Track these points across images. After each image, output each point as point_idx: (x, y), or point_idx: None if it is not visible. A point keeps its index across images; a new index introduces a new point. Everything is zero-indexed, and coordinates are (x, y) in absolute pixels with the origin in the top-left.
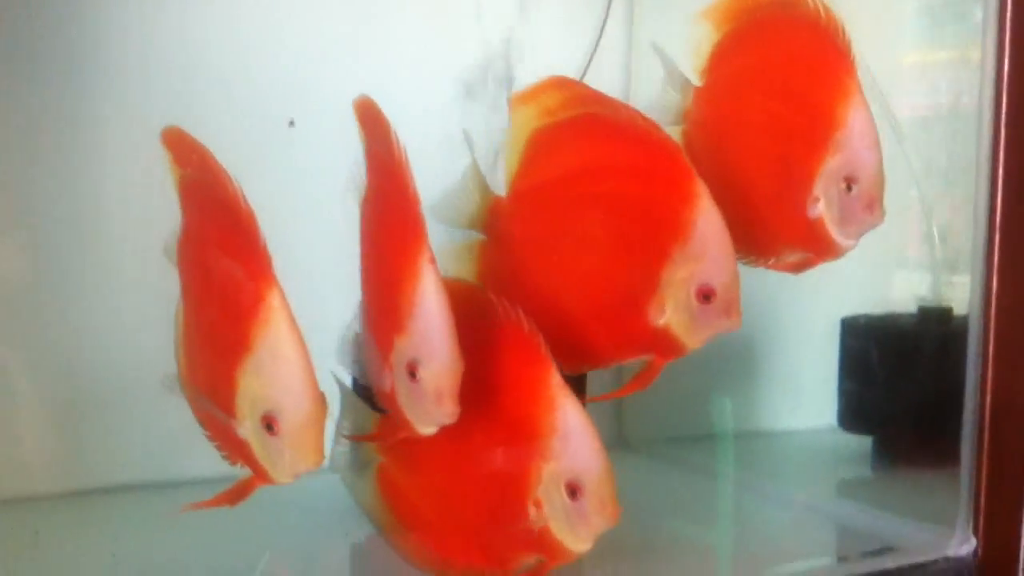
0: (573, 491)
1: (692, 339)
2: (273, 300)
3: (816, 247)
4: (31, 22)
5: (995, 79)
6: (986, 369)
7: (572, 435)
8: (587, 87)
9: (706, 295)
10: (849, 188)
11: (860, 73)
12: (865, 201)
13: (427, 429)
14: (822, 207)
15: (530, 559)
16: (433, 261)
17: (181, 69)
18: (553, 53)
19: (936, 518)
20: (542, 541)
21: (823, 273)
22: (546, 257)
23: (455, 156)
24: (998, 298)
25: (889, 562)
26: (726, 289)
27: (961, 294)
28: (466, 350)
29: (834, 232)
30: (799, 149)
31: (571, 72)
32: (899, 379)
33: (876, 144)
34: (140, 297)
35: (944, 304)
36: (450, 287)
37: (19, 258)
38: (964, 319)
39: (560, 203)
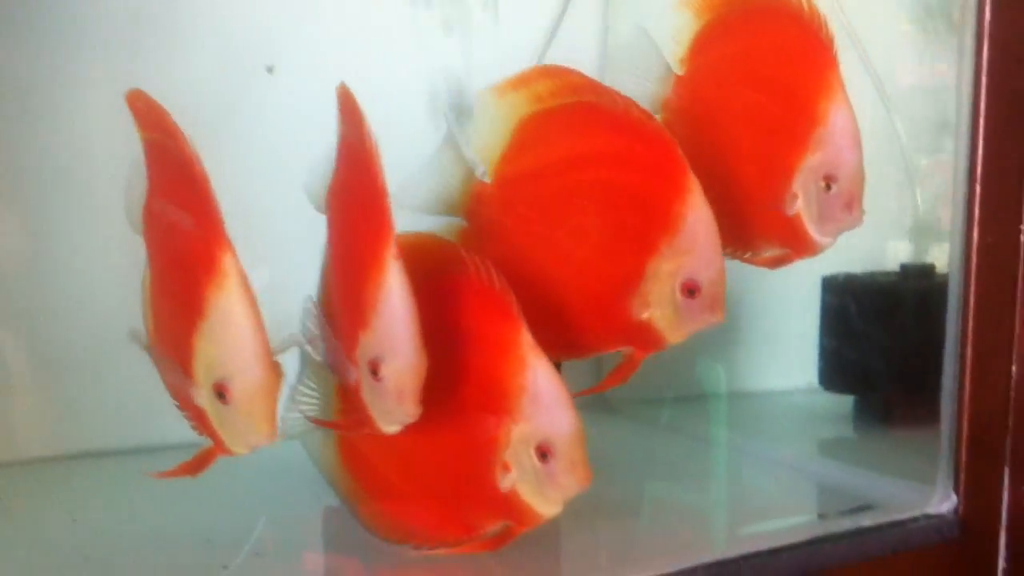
0: (543, 453)
1: (674, 333)
2: (226, 264)
3: (793, 243)
4: None
5: (975, 43)
6: (966, 325)
7: (542, 395)
8: (582, 75)
9: (691, 290)
10: (828, 187)
11: (849, 40)
12: (844, 200)
13: (389, 428)
14: (800, 204)
15: (497, 525)
16: (399, 257)
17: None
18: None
19: (917, 476)
20: (510, 505)
21: None
22: (532, 245)
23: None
24: (979, 253)
25: (868, 520)
26: (712, 284)
27: (942, 254)
28: (434, 307)
29: (812, 230)
30: (779, 144)
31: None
32: (881, 338)
33: (857, 143)
34: (111, 262)
35: (926, 262)
36: (420, 241)
37: None
38: (946, 277)
39: (549, 190)
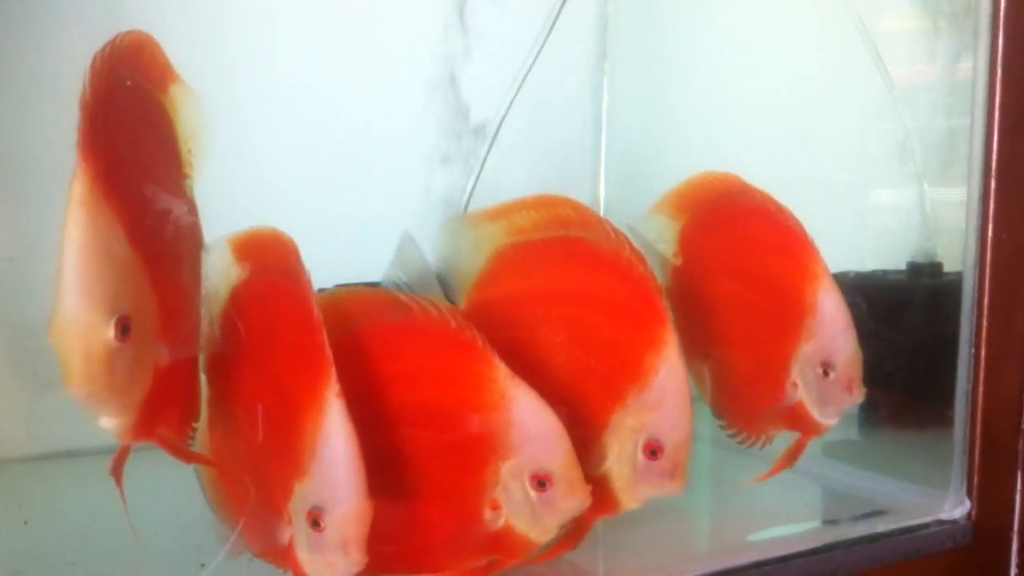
0: (540, 482)
1: (630, 497)
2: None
3: (800, 427)
4: None
5: (990, 37)
6: (980, 324)
7: (530, 424)
8: (577, 207)
9: (653, 450)
10: (826, 373)
11: (859, 33)
12: (843, 384)
13: None
14: (801, 392)
15: (483, 560)
16: (340, 395)
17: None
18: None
19: (927, 480)
20: (499, 541)
21: (810, 228)
22: None
23: None
24: (993, 250)
25: (881, 525)
26: (675, 449)
27: (951, 252)
28: (392, 362)
29: (815, 414)
30: (771, 335)
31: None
32: (888, 338)
33: (849, 326)
34: None
35: (934, 260)
36: (360, 295)
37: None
38: (955, 275)
39: (521, 321)
